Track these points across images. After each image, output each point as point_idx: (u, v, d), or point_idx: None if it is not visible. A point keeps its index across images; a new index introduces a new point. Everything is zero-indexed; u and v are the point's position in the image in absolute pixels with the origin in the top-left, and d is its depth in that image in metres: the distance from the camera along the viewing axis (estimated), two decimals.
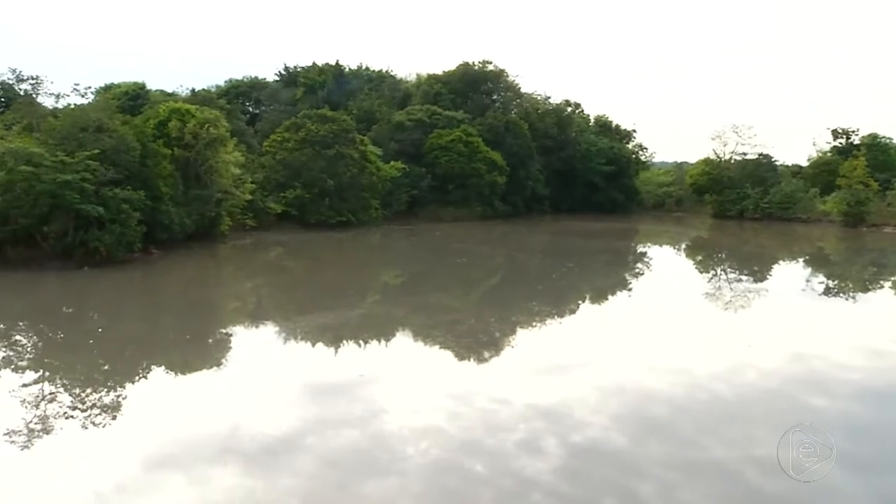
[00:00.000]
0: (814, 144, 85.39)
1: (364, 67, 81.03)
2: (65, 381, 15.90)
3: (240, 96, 79.07)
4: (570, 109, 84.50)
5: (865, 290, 33.78)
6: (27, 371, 16.54)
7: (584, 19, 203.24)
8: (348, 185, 51.27)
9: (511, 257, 43.20)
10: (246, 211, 44.00)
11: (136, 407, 14.19)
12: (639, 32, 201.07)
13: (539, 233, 59.39)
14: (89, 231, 29.63)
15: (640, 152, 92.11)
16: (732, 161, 75.22)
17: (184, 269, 33.45)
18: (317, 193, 50.07)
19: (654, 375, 16.38)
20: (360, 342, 20.29)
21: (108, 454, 11.50)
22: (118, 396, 14.88)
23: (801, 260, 46.24)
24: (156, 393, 15.41)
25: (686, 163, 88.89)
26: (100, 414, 13.69)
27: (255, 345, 20.11)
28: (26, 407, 13.71)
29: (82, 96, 38.79)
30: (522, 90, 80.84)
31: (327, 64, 78.48)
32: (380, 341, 20.61)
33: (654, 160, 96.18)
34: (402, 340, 21.26)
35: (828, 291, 32.20)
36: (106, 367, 17.25)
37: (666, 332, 21.62)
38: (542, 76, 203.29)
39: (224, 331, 22.34)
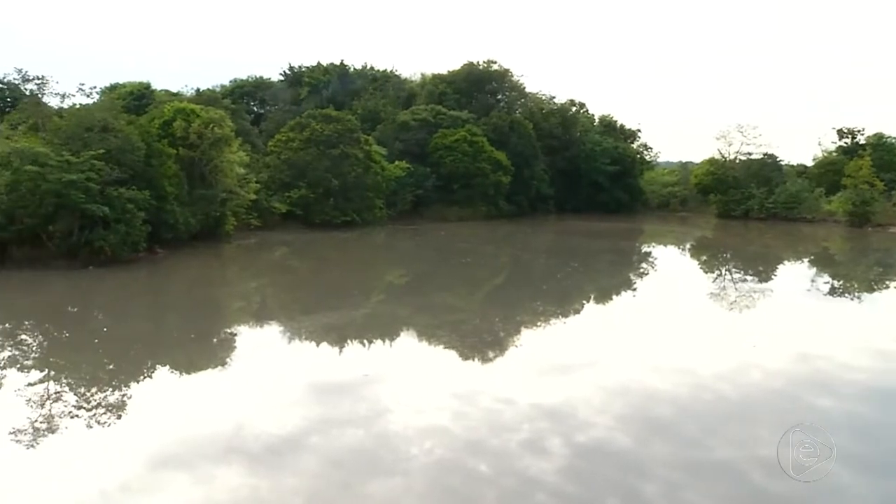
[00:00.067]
0: (819, 144, 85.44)
1: (368, 67, 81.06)
2: (70, 381, 15.93)
3: (244, 96, 79.16)
4: (574, 109, 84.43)
5: (871, 290, 33.68)
6: (33, 370, 16.59)
7: (588, 19, 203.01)
8: (353, 185, 51.29)
9: (516, 257, 43.18)
10: (250, 211, 44.04)
11: (140, 406, 14.23)
12: (643, 32, 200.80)
13: (544, 232, 59.35)
14: (94, 231, 29.70)
15: (645, 152, 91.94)
16: (737, 161, 75.06)
17: (188, 269, 33.51)
18: (321, 193, 50.09)
19: (658, 375, 16.36)
20: (365, 342, 20.30)
21: (113, 453, 11.52)
22: (123, 396, 14.92)
23: (806, 260, 46.16)
24: (160, 392, 15.44)
25: (691, 163, 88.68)
26: (105, 413, 13.72)
27: (259, 344, 20.14)
28: (32, 406, 13.75)
29: (87, 96, 38.99)
30: (527, 90, 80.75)
31: (332, 64, 78.53)
32: (384, 341, 20.61)
33: (658, 160, 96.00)
34: (407, 340, 21.26)
35: (833, 292, 32.13)
36: (111, 367, 17.29)
37: (670, 333, 21.60)
38: (546, 76, 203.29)
39: (229, 330, 22.38)
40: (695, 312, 25.76)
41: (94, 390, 15.12)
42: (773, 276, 37.94)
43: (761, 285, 33.78)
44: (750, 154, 74.82)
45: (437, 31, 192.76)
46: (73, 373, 16.66)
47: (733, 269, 39.64)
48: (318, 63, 78.58)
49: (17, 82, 57.80)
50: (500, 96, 78.29)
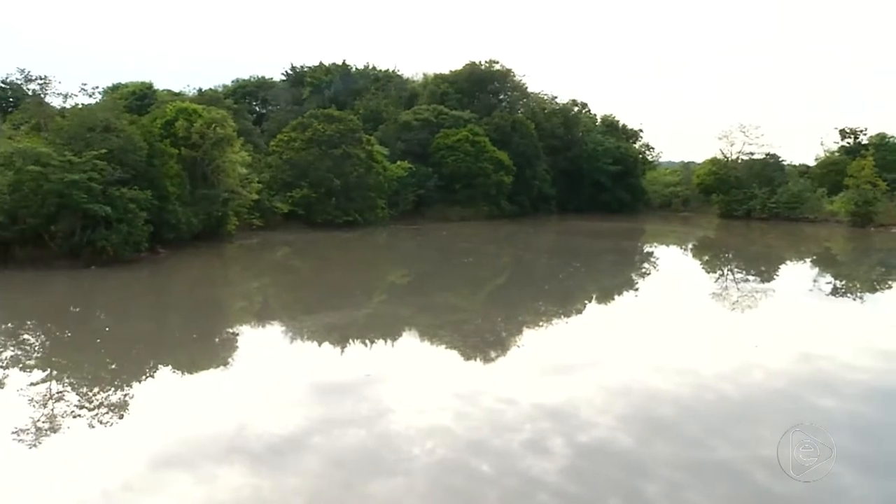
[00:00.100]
0: (821, 144, 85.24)
1: (371, 67, 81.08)
2: (72, 380, 15.94)
3: (246, 96, 79.24)
4: (576, 109, 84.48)
5: (873, 290, 33.63)
6: (35, 370, 16.60)
7: (590, 19, 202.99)
8: (355, 185, 51.31)
9: (518, 257, 43.17)
10: (252, 210, 44.09)
11: (142, 406, 14.23)
12: (645, 32, 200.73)
13: (546, 232, 59.33)
14: (96, 230, 29.73)
15: (647, 152, 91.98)
16: (739, 161, 75.05)
17: (190, 269, 33.53)
18: (323, 193, 50.12)
19: (660, 375, 16.35)
20: (367, 342, 20.30)
21: (116, 453, 11.53)
22: (125, 395, 14.92)
23: (808, 260, 46.12)
24: (163, 392, 15.45)
25: (693, 162, 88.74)
26: (107, 413, 13.73)
27: (261, 344, 20.15)
28: (34, 405, 13.76)
29: (90, 96, 38.97)
30: (529, 90, 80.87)
31: (334, 63, 78.57)
32: (386, 341, 20.61)
33: (660, 160, 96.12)
34: (409, 340, 21.26)
35: (835, 292, 32.09)
36: (113, 367, 17.30)
37: (672, 333, 21.58)
38: (548, 76, 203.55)
39: (231, 330, 22.39)
40: (697, 312, 25.74)
41: (96, 390, 15.13)
42: (775, 276, 37.91)
43: (763, 285, 33.75)
44: (752, 154, 74.93)
45: (439, 31, 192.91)
46: (76, 372, 16.67)
47: (735, 269, 39.61)
48: (321, 63, 78.71)
49: (19, 82, 58.02)
50: (502, 96, 78.33)
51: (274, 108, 76.15)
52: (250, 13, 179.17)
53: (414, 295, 29.51)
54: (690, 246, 54.61)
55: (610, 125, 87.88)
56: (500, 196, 64.03)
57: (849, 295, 32.03)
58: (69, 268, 29.32)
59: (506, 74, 77.50)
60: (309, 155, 50.75)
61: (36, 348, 19.04)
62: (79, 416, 13.45)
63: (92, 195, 29.14)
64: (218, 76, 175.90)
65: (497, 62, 77.12)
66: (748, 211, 71.07)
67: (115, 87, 69.48)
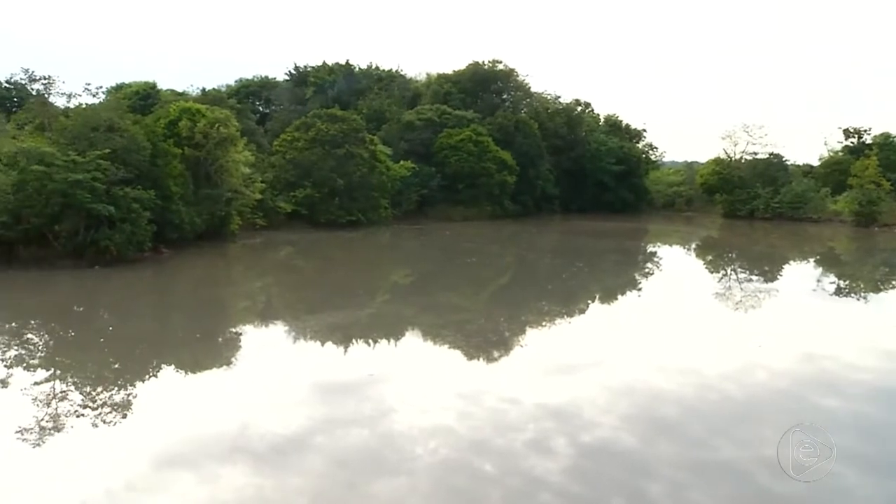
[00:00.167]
0: (825, 144, 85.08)
1: (374, 67, 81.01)
2: (76, 380, 15.98)
3: (250, 96, 79.24)
4: (580, 109, 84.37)
5: (877, 290, 33.59)
6: (39, 369, 16.63)
7: (593, 18, 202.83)
8: (358, 185, 51.31)
9: (521, 257, 43.14)
10: (256, 210, 44.12)
11: (146, 405, 14.25)
12: (648, 32, 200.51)
13: (549, 232, 59.30)
14: (100, 230, 29.77)
15: (651, 152, 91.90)
16: (743, 161, 74.96)
17: (194, 269, 33.57)
18: (326, 193, 50.13)
19: (663, 375, 16.34)
20: (370, 341, 20.31)
21: (119, 452, 11.55)
22: (129, 395, 14.94)
23: (811, 260, 46.03)
24: (166, 392, 15.47)
25: (696, 162, 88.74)
26: (110, 412, 13.75)
27: (264, 344, 20.17)
28: (38, 405, 13.79)
29: (93, 96, 38.99)
30: (532, 89, 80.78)
31: (337, 63, 78.44)
32: (389, 341, 20.62)
33: (664, 160, 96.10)
34: (412, 340, 21.27)
35: (839, 292, 32.03)
36: (116, 366, 17.32)
37: (676, 332, 21.56)
38: (551, 75, 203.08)
39: (234, 330, 22.40)
40: (700, 312, 25.71)
41: (99, 389, 15.15)
42: (778, 276, 37.86)
43: (767, 285, 33.70)
44: (756, 154, 74.88)
45: (442, 30, 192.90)
46: (79, 372, 16.71)
47: (739, 269, 39.57)
48: (324, 63, 78.59)
49: (23, 82, 58.12)
50: (505, 96, 78.27)
51: (277, 107, 76.19)
52: (254, 13, 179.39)
53: (417, 295, 29.52)
54: (694, 246, 54.56)
55: (613, 125, 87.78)
56: (503, 196, 64.00)
57: (852, 295, 31.98)
58: (73, 267, 29.36)
59: (509, 74, 77.45)
60: (312, 155, 50.77)
61: (40, 348, 19.08)
62: (82, 415, 13.47)
63: (96, 195, 29.18)
64: (221, 76, 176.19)
65: (500, 62, 77.14)
66: (752, 211, 70.97)
67: (119, 87, 69.55)
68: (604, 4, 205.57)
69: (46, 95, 40.77)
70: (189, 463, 11.09)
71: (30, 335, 20.57)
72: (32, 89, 52.22)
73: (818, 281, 35.15)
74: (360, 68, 79.34)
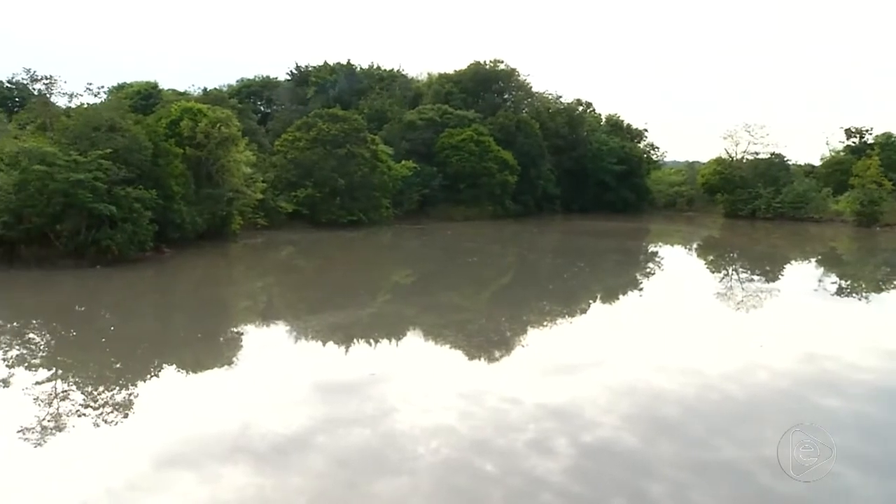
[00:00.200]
0: (827, 144, 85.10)
1: (375, 66, 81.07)
2: (77, 379, 15.99)
3: (251, 96, 79.33)
4: (581, 109, 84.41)
5: (878, 290, 33.57)
6: (40, 369, 16.64)
7: (595, 18, 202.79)
8: (359, 185, 51.33)
9: (522, 257, 43.14)
10: (257, 210, 44.16)
11: (147, 405, 14.26)
12: (650, 32, 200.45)
13: (550, 232, 59.29)
14: (101, 230, 29.79)
15: (652, 152, 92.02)
16: (744, 160, 74.94)
17: (195, 268, 33.59)
18: (328, 193, 50.16)
19: (665, 375, 16.33)
20: (371, 341, 20.31)
21: (120, 452, 11.55)
22: (130, 395, 14.95)
23: (813, 260, 45.99)
24: (167, 391, 15.48)
25: (698, 162, 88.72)
26: (111, 412, 13.76)
27: (265, 344, 20.17)
28: (39, 404, 13.80)
29: (95, 96, 39.00)
30: (534, 89, 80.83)
31: (338, 63, 78.51)
32: (390, 340, 20.62)
33: (665, 159, 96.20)
34: (413, 339, 21.27)
35: (840, 292, 32.00)
36: (118, 366, 17.33)
37: (677, 332, 21.55)
38: (553, 75, 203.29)
39: (235, 330, 22.41)
40: (701, 312, 25.70)
41: (101, 389, 15.16)
42: (780, 276, 37.82)
43: (768, 285, 33.67)
44: (757, 153, 74.92)
45: (443, 30, 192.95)
46: (81, 371, 16.72)
47: (740, 269, 39.54)
48: (325, 62, 78.67)
49: (25, 82, 58.10)
50: (506, 96, 78.30)
51: (278, 107, 76.25)
52: (255, 13, 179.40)
53: (418, 294, 29.52)
54: (695, 246, 54.53)
55: (614, 125, 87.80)
56: (504, 196, 64.00)
57: (854, 295, 31.95)
58: (74, 267, 29.39)
59: (510, 74, 77.47)
60: (313, 154, 50.79)
61: (41, 347, 19.09)
62: (83, 414, 13.48)
63: (97, 194, 29.20)
64: (223, 76, 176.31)
65: (502, 62, 77.20)
66: (753, 211, 70.94)
67: (121, 87, 69.59)
68: (605, 4, 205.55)
69: (48, 95, 40.75)
70: (190, 462, 11.09)
71: (31, 335, 20.59)
72: (34, 89, 52.11)
73: (820, 281, 35.12)
74: (361, 68, 79.43)
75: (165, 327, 22.33)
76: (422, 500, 10.12)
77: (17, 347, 18.63)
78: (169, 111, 41.29)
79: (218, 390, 15.53)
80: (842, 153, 79.16)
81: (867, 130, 79.64)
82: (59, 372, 16.45)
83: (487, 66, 76.53)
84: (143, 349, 19.09)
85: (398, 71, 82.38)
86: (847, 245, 53.92)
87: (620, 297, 30.10)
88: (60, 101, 39.65)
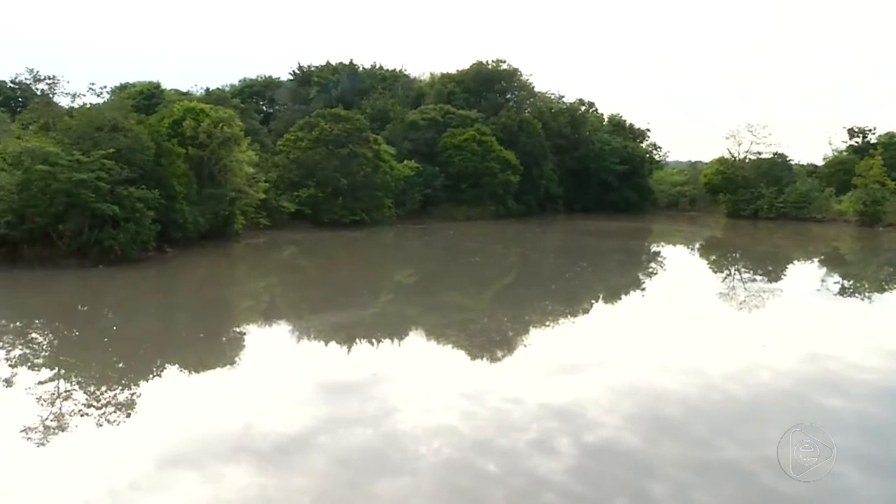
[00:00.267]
0: (829, 143, 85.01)
1: (378, 66, 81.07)
2: (80, 379, 16.01)
3: (254, 95, 79.39)
4: (583, 108, 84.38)
5: (881, 290, 33.52)
6: (43, 368, 16.66)
7: (597, 18, 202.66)
8: (362, 185, 51.35)
9: (524, 256, 43.12)
10: (259, 210, 44.18)
11: (150, 405, 14.28)
12: (652, 32, 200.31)
13: (552, 232, 59.27)
14: (104, 230, 29.82)
15: (654, 151, 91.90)
16: (747, 160, 74.86)
17: (198, 268, 33.62)
18: (330, 192, 50.17)
19: (667, 375, 16.32)
20: (373, 341, 20.31)
21: (122, 451, 11.57)
22: (132, 394, 14.97)
23: (816, 260, 45.94)
24: (170, 391, 15.50)
25: (700, 162, 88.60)
26: (114, 412, 13.77)
27: (268, 343, 20.18)
28: (42, 404, 13.82)
29: (98, 95, 39.11)
30: (536, 89, 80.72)
31: (341, 63, 78.53)
32: (393, 340, 20.63)
33: (667, 159, 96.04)
34: (415, 339, 21.27)
35: (843, 292, 31.97)
36: (120, 365, 17.36)
37: (679, 332, 21.54)
38: (555, 75, 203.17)
39: (237, 329, 22.43)
40: (704, 312, 25.67)
41: (103, 389, 15.17)
42: (782, 276, 37.78)
43: (771, 285, 33.63)
44: (760, 153, 74.82)
45: (446, 30, 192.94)
46: (83, 371, 16.74)
47: (742, 269, 39.49)
48: (328, 62, 78.70)
49: (28, 82, 58.05)
50: (509, 95, 78.27)
51: (281, 107, 76.30)
52: (257, 13, 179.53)
53: (421, 294, 29.52)
54: (697, 245, 54.48)
55: (617, 124, 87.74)
56: (506, 195, 63.96)
57: (857, 295, 31.91)
58: (77, 267, 29.42)
59: (513, 74, 77.44)
60: (316, 154, 50.80)
61: (44, 347, 19.11)
62: (86, 414, 13.50)
63: (100, 194, 29.23)
64: (225, 76, 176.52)
65: (504, 61, 77.16)
66: (755, 210, 70.85)
67: (123, 87, 69.65)
68: (607, 4, 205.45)
69: (51, 95, 40.88)
70: (193, 462, 11.10)
71: (34, 334, 20.62)
72: (37, 89, 52.24)
73: (822, 281, 35.08)
74: (363, 68, 79.44)
75: (168, 327, 22.34)
76: (424, 500, 10.12)
77: (20, 347, 18.66)
78: (171, 111, 41.32)
79: (220, 390, 15.55)
80: (844, 153, 79.03)
81: (870, 130, 79.60)
82: (62, 372, 16.48)
83: (490, 66, 76.51)
84: (146, 349, 19.11)
85: (400, 71, 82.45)
86: (850, 245, 53.85)
87: (623, 297, 30.09)
88: (63, 101, 39.82)
